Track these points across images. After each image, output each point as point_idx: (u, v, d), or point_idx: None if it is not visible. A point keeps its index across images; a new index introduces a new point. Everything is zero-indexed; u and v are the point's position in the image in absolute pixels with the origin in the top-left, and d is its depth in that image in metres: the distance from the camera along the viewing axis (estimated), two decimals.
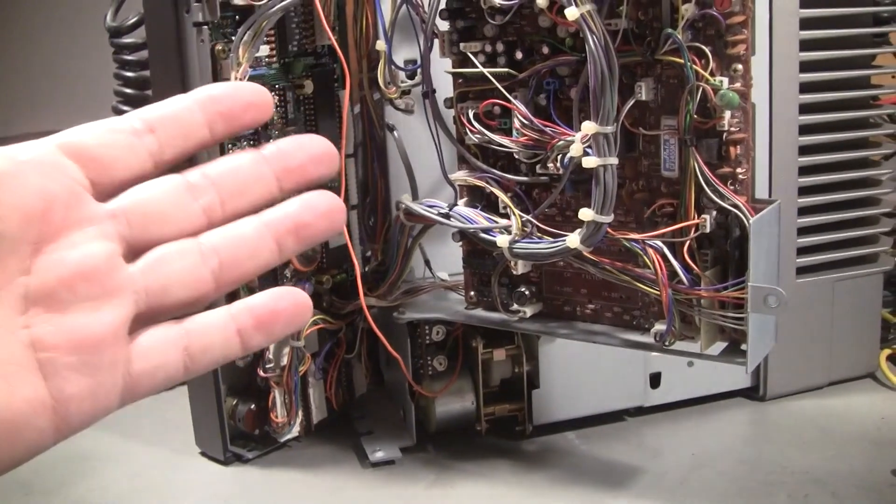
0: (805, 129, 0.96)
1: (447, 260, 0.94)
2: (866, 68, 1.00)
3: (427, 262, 0.94)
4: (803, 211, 0.98)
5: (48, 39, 2.23)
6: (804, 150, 0.96)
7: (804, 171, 0.97)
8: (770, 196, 0.94)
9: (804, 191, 0.97)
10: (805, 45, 0.94)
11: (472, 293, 0.89)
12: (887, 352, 1.07)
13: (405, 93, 0.91)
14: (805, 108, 0.96)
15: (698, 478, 0.88)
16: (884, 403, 1.01)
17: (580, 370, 0.96)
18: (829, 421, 0.97)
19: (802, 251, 0.98)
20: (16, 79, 2.29)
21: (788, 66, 0.94)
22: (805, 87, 0.95)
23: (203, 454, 0.97)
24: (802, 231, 0.98)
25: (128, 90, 1.04)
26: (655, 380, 0.99)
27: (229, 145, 0.87)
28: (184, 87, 0.86)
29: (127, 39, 1.04)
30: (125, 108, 1.04)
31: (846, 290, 1.01)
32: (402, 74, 0.90)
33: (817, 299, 1.00)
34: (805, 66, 0.95)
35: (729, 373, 1.01)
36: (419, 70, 0.88)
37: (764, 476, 0.88)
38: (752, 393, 1.03)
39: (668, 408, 1.01)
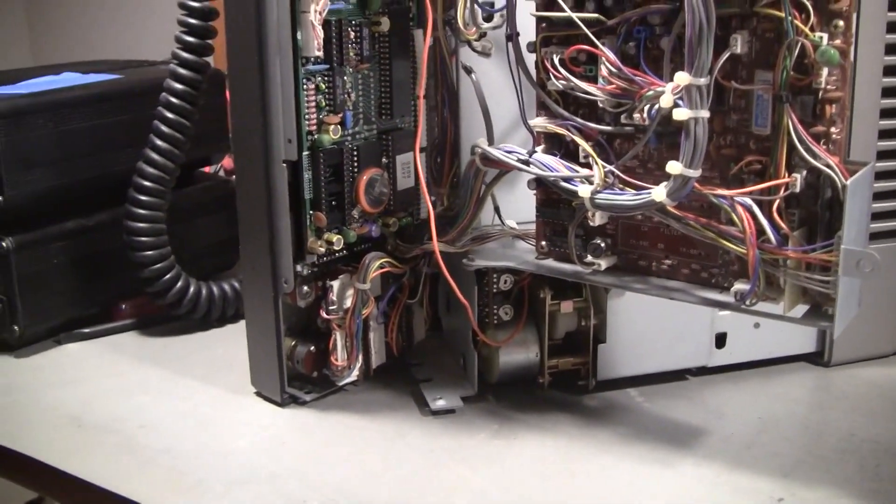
0: (889, 92, 0.93)
1: (515, 207, 0.92)
2: None
3: (497, 209, 0.92)
4: (880, 175, 0.95)
5: None
6: (886, 114, 0.94)
7: (884, 134, 0.95)
8: (848, 157, 0.92)
9: (883, 155, 0.95)
10: (894, 5, 0.91)
11: (544, 243, 0.88)
12: None
13: (483, 35, 0.89)
14: (890, 70, 0.93)
15: (765, 442, 0.87)
16: None
17: (647, 327, 0.94)
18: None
19: (876, 216, 0.96)
20: (76, 6, 2.28)
21: (875, 27, 0.91)
22: (891, 49, 0.93)
23: (258, 394, 0.96)
24: (878, 196, 0.96)
25: (192, 20, 1.02)
26: (721, 340, 0.98)
27: (304, 80, 0.85)
28: (259, 19, 0.84)
29: None
30: (189, 38, 1.02)
31: None
32: (479, 15, 0.88)
33: (888, 265, 0.98)
34: (892, 27, 0.92)
35: (794, 336, 0.99)
36: (497, 13, 0.86)
37: (833, 443, 0.86)
38: (817, 358, 1.01)
39: (731, 369, 0.99)
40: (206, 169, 1.39)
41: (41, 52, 2.36)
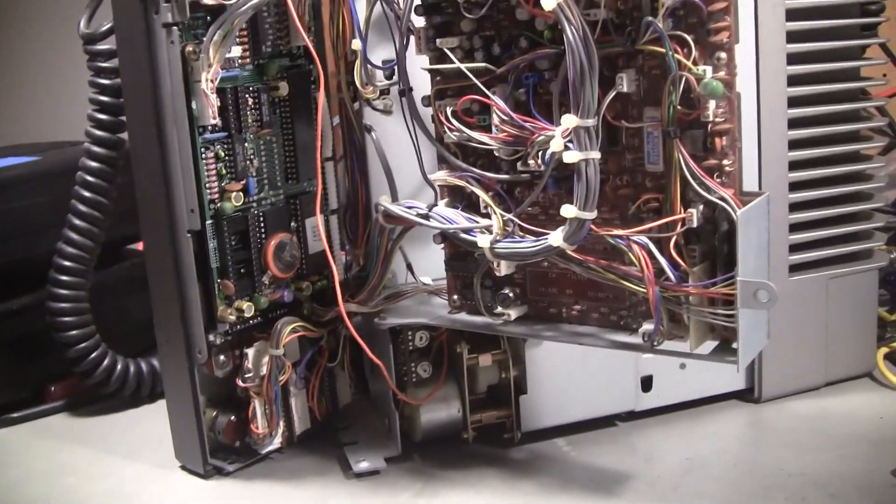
0: (794, 123, 0.94)
1: (430, 264, 0.91)
2: (855, 60, 0.98)
3: (409, 266, 0.92)
4: (794, 207, 0.95)
5: (27, 50, 2.22)
6: (794, 145, 0.94)
7: (794, 165, 0.95)
8: (760, 190, 0.92)
9: (795, 186, 0.95)
10: (792, 37, 0.92)
11: (456, 297, 0.87)
12: (885, 350, 1.05)
13: (383, 93, 0.89)
14: (794, 102, 0.93)
15: (692, 482, 0.86)
16: (882, 403, 0.98)
17: (569, 374, 0.93)
18: (826, 422, 0.95)
19: (795, 248, 0.96)
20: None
21: (775, 59, 0.92)
22: (793, 80, 0.93)
23: (183, 468, 0.95)
24: (794, 227, 0.96)
25: (103, 98, 1.02)
26: (647, 383, 0.97)
27: (202, 148, 0.85)
28: (154, 90, 0.84)
29: (101, 46, 1.02)
30: (101, 115, 1.02)
31: (841, 288, 0.99)
32: (379, 74, 0.88)
33: (811, 297, 0.98)
34: (792, 59, 0.92)
35: (722, 375, 0.98)
36: (396, 69, 0.86)
37: (761, 479, 0.85)
38: (747, 395, 1.00)
39: (661, 412, 0.98)
40: (140, 245, 1.38)
41: None
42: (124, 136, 1.03)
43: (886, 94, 1.14)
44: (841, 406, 0.98)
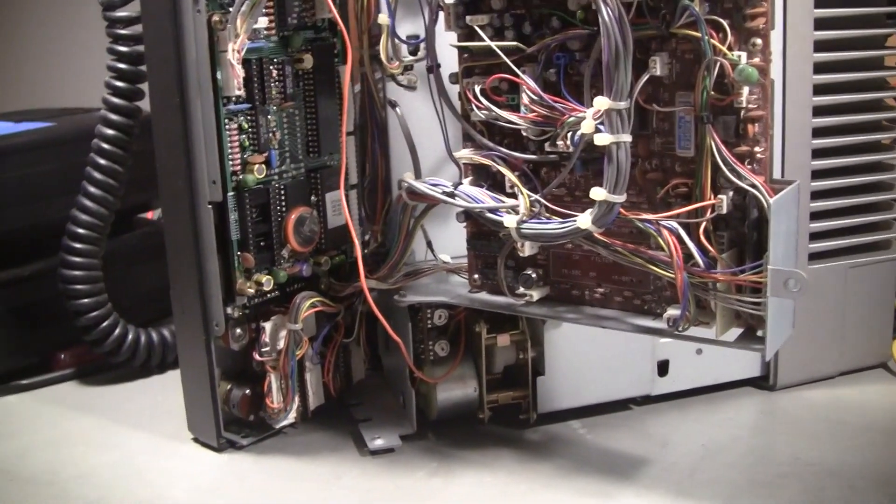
0: (819, 111, 0.93)
1: (449, 242, 0.91)
2: (880, 49, 0.97)
3: (429, 244, 0.91)
4: (816, 195, 0.95)
5: (43, 15, 2.20)
6: (818, 133, 0.94)
7: (817, 153, 0.94)
8: (783, 177, 0.91)
9: (817, 174, 0.94)
10: (819, 24, 0.91)
11: (476, 276, 0.87)
12: None
13: (408, 68, 0.88)
14: (819, 90, 0.93)
15: (708, 469, 0.85)
16: None
17: (586, 357, 0.93)
18: (841, 411, 0.95)
19: (815, 236, 0.96)
20: (9, 55, 2.28)
21: (803, 46, 0.91)
22: (819, 68, 0.92)
23: (196, 440, 0.95)
24: (815, 216, 0.95)
25: (121, 65, 1.01)
26: (663, 368, 0.97)
27: (225, 119, 0.84)
28: (179, 59, 0.83)
29: (121, 13, 1.01)
30: (119, 83, 1.01)
31: (859, 278, 0.98)
32: (404, 49, 0.87)
33: (830, 286, 0.97)
34: (819, 46, 0.92)
35: (738, 361, 0.98)
36: (422, 45, 0.85)
37: (776, 468, 0.85)
38: (762, 382, 1.00)
39: (676, 397, 0.98)
40: (150, 214, 1.37)
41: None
42: (141, 104, 1.02)
43: None
44: (855, 396, 0.98)
